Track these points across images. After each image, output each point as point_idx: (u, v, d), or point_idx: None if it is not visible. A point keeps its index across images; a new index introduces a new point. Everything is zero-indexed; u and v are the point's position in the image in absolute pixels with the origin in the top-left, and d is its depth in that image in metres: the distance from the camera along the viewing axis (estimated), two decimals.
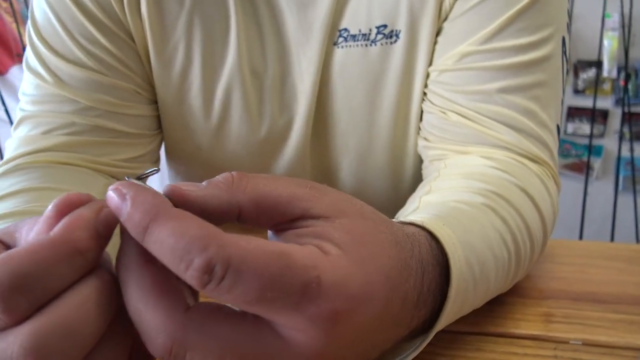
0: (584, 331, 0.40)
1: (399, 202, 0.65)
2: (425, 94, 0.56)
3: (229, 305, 0.24)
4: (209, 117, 0.59)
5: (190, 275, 0.21)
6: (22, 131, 0.54)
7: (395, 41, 0.54)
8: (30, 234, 0.24)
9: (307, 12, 0.55)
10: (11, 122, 2.55)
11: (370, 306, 0.24)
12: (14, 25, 2.52)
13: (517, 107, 0.50)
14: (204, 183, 0.25)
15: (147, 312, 0.22)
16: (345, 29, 0.55)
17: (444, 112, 0.53)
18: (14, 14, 2.46)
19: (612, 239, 1.99)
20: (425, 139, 0.57)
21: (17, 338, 0.21)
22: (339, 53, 0.56)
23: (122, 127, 0.55)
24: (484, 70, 0.50)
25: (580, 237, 1.99)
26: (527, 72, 0.49)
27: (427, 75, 0.56)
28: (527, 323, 0.41)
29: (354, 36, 0.55)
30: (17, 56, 2.67)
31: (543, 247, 0.46)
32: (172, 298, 0.23)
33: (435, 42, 0.54)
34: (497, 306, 0.43)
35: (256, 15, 0.55)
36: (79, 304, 0.22)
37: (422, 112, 0.58)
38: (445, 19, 0.53)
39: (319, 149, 0.62)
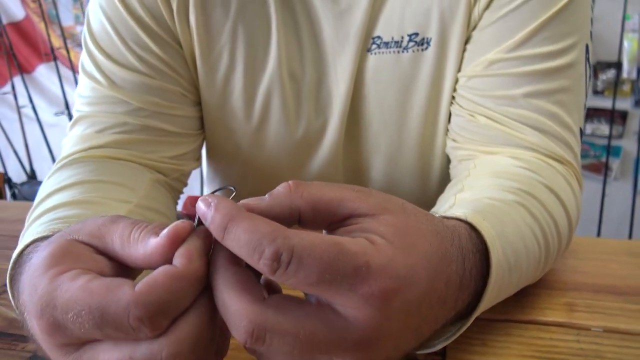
0: (604, 319, 0.43)
1: (427, 200, 0.69)
2: (454, 97, 0.60)
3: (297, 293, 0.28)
4: (249, 118, 0.63)
5: (262, 264, 0.26)
6: (78, 130, 0.58)
7: (426, 48, 0.58)
8: (130, 248, 0.29)
9: (343, 21, 0.58)
10: (38, 119, 2.59)
11: (415, 285, 0.28)
12: (41, 25, 2.58)
13: (542, 111, 0.53)
14: (266, 196, 0.30)
15: (232, 303, 0.27)
16: (379, 37, 0.58)
17: (472, 115, 0.56)
18: (42, 14, 2.52)
19: (630, 238, 2.00)
20: (454, 140, 0.60)
21: (161, 346, 0.27)
22: (372, 59, 0.59)
23: (168, 127, 0.60)
24: (511, 77, 0.53)
25: (599, 237, 2.00)
26: (552, 78, 0.52)
27: (456, 81, 0.59)
28: (552, 311, 0.45)
29: (386, 43, 0.58)
30: (44, 55, 2.74)
31: (569, 242, 0.49)
32: (252, 291, 0.28)
33: (464, 50, 0.58)
34: (525, 297, 0.46)
35: (295, 23, 0.59)
36: (202, 315, 0.28)
37: (450, 115, 0.61)
38: (474, 27, 0.56)
39: (351, 149, 0.66)
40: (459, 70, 0.58)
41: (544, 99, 0.53)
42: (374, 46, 0.59)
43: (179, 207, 0.72)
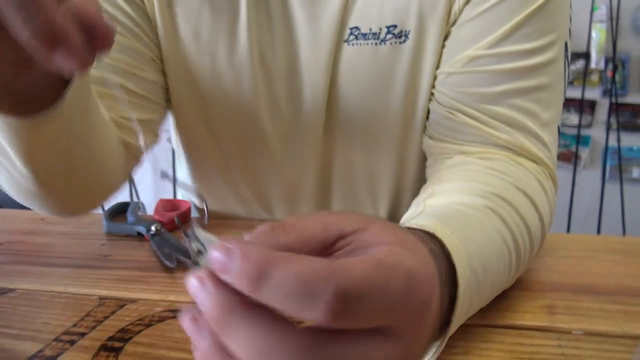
0: (584, 322, 0.43)
1: (404, 191, 0.68)
2: (432, 94, 0.59)
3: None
4: (218, 97, 0.63)
5: (323, 309, 0.21)
6: None
7: (404, 41, 0.57)
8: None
9: (316, 8, 0.57)
10: None
11: (435, 282, 0.27)
12: None
13: (520, 109, 0.52)
14: (245, 237, 0.25)
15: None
16: (357, 27, 0.57)
17: (451, 113, 0.55)
18: None
19: (599, 225, 2.04)
20: (431, 137, 0.59)
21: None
22: (349, 50, 0.58)
23: (135, 88, 0.59)
24: (490, 74, 0.53)
25: (569, 224, 2.04)
26: (530, 75, 0.52)
27: (435, 77, 0.58)
28: (532, 315, 0.44)
29: (364, 35, 0.57)
30: None
31: (541, 243, 0.48)
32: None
33: (443, 46, 0.57)
34: (504, 300, 0.45)
35: (267, 4, 0.59)
36: None
37: (428, 111, 0.60)
38: (454, 23, 0.55)
39: (328, 139, 0.65)
40: (437, 65, 0.58)
41: (522, 97, 0.52)
42: (351, 37, 0.58)
43: (150, 211, 0.70)
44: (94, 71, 0.55)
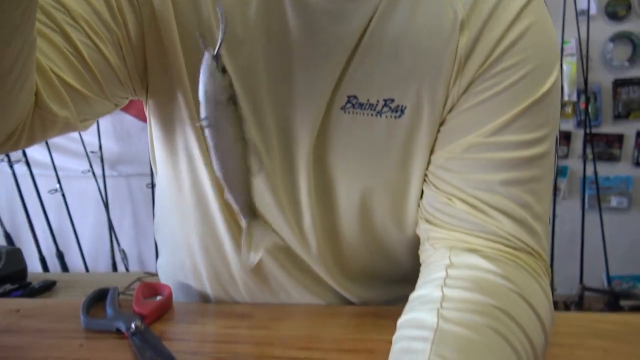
0: None
1: (393, 270, 0.67)
2: (427, 176, 0.59)
3: None
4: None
5: None
6: None
7: (400, 116, 0.57)
8: None
9: (316, 69, 0.56)
10: None
11: None
12: None
13: (518, 199, 0.53)
14: None
15: None
16: (354, 96, 0.57)
17: (449, 198, 0.55)
18: None
19: (581, 256, 2.06)
20: (428, 221, 0.59)
21: None
22: (344, 117, 0.58)
23: (84, 51, 0.51)
24: (488, 161, 0.53)
25: (552, 256, 2.06)
26: (526, 166, 0.53)
27: (429, 160, 0.58)
28: None
29: (361, 104, 0.57)
30: None
31: (543, 353, 0.48)
32: None
33: (438, 130, 0.57)
34: None
35: (273, 60, 0.57)
36: None
37: (421, 192, 0.60)
38: (451, 109, 0.56)
39: (317, 206, 0.63)
40: (430, 147, 0.58)
41: (519, 187, 0.53)
42: (348, 105, 0.57)
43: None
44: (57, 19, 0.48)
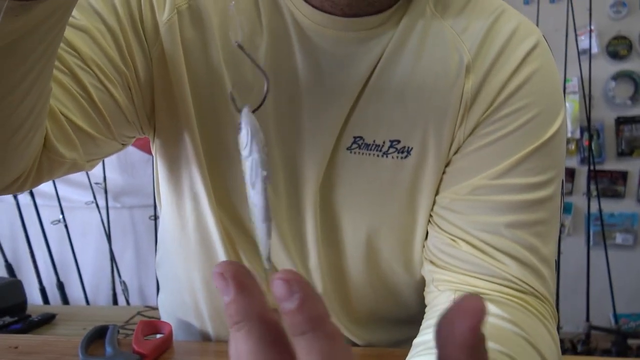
0: None
1: (399, 311, 0.66)
2: (431, 216, 0.59)
3: None
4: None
5: None
6: None
7: (406, 157, 0.57)
8: None
9: (324, 110, 0.57)
10: None
11: None
12: None
13: (524, 242, 0.53)
14: None
15: None
16: (360, 137, 0.57)
17: (454, 240, 0.55)
18: None
19: (587, 294, 2.03)
20: (432, 262, 0.58)
21: None
22: (350, 157, 0.58)
23: (94, 93, 0.51)
24: (494, 204, 0.53)
25: (558, 293, 2.03)
26: (532, 209, 0.53)
27: (434, 201, 0.58)
28: None
29: (367, 145, 0.57)
30: None
31: None
32: None
33: (444, 171, 0.57)
34: None
35: (279, 98, 0.57)
36: None
37: (426, 232, 0.60)
38: (457, 150, 0.56)
39: (322, 246, 0.63)
40: (436, 187, 0.58)
41: (525, 230, 0.53)
42: (354, 145, 0.58)
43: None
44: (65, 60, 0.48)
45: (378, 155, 0.57)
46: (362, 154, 0.58)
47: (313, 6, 0.54)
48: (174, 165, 0.62)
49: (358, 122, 0.57)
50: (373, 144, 0.57)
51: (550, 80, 0.56)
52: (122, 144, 0.59)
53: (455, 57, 0.55)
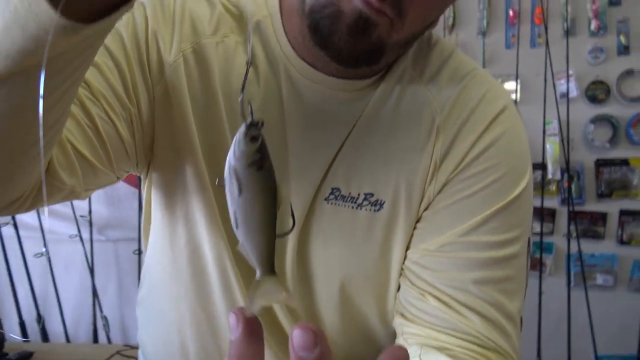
0: None
1: (375, 355, 0.67)
2: (403, 270, 0.61)
3: None
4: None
5: None
6: None
7: (379, 210, 0.59)
8: None
9: (308, 160, 0.59)
10: None
11: None
12: None
13: (490, 299, 0.55)
14: None
15: None
16: (338, 189, 0.60)
17: (422, 294, 0.57)
18: None
19: (568, 335, 2.04)
20: (403, 315, 0.60)
21: None
22: (327, 208, 0.60)
23: (100, 125, 0.53)
24: (461, 260, 0.56)
25: (539, 333, 2.03)
26: (498, 266, 0.55)
27: (404, 251, 0.60)
28: None
29: (343, 197, 0.60)
30: None
31: None
32: None
33: (414, 227, 0.59)
34: None
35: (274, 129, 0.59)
36: None
37: (399, 284, 0.61)
38: (427, 207, 0.59)
39: (304, 295, 0.64)
40: (407, 241, 0.60)
41: (491, 287, 0.55)
42: (331, 196, 0.60)
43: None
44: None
45: (353, 207, 0.60)
46: (338, 205, 0.60)
47: (307, 62, 0.57)
48: (171, 199, 0.63)
49: (336, 174, 0.59)
50: (349, 196, 0.60)
51: (516, 142, 0.59)
52: (117, 177, 0.61)
53: (428, 117, 0.58)
